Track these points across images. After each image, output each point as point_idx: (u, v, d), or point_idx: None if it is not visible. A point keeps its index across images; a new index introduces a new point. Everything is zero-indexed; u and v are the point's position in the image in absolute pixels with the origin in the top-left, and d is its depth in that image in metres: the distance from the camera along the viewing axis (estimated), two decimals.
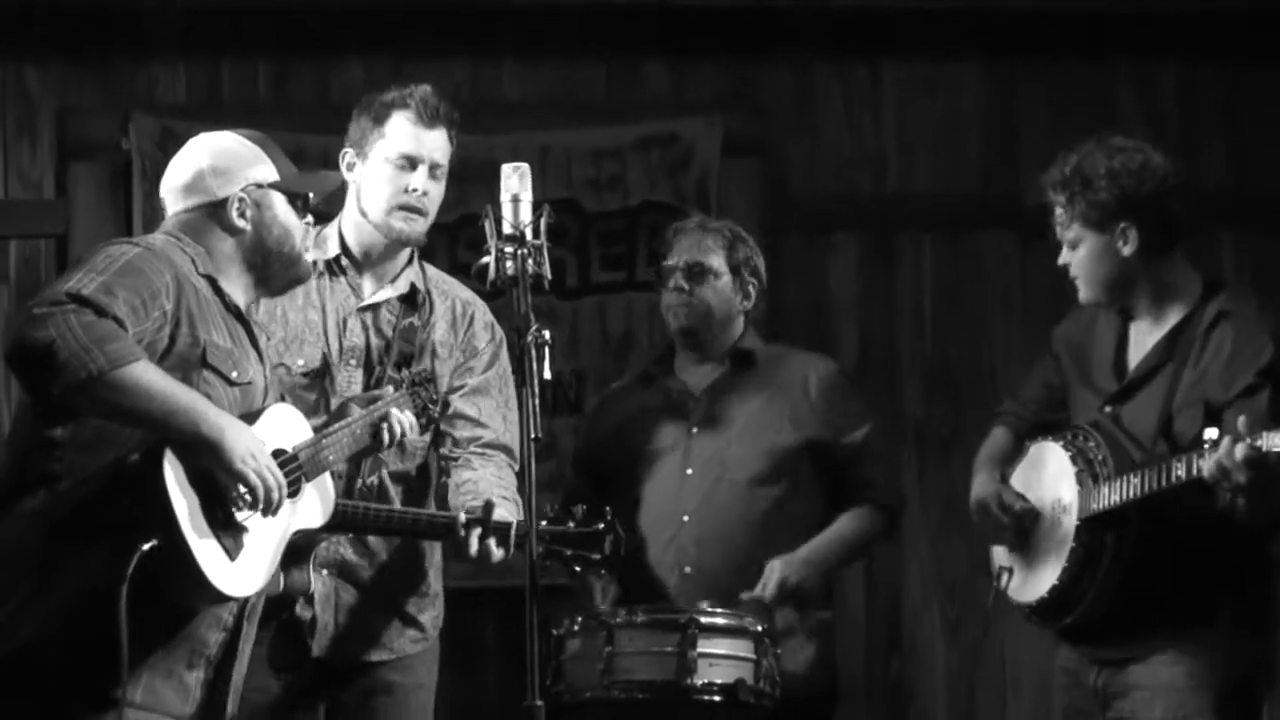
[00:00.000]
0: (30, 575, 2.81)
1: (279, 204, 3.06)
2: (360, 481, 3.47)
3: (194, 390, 2.86)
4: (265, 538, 2.93)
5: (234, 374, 2.96)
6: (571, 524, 3.38)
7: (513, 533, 3.28)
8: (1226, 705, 3.26)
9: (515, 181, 3.07)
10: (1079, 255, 3.39)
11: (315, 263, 3.54)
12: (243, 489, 2.86)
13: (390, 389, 3.29)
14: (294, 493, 2.98)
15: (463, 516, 3.34)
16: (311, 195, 3.12)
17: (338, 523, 3.33)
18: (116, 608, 2.71)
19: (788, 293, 4.45)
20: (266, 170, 3.05)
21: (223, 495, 2.85)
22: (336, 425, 3.14)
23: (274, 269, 3.08)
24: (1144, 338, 3.40)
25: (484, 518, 3.32)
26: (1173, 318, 3.36)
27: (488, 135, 4.51)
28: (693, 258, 3.96)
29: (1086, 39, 4.90)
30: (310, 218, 3.13)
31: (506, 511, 3.34)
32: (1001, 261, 4.90)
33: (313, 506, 3.06)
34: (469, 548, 3.32)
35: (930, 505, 4.66)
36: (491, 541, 3.31)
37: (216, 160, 3.04)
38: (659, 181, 4.77)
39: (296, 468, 2.97)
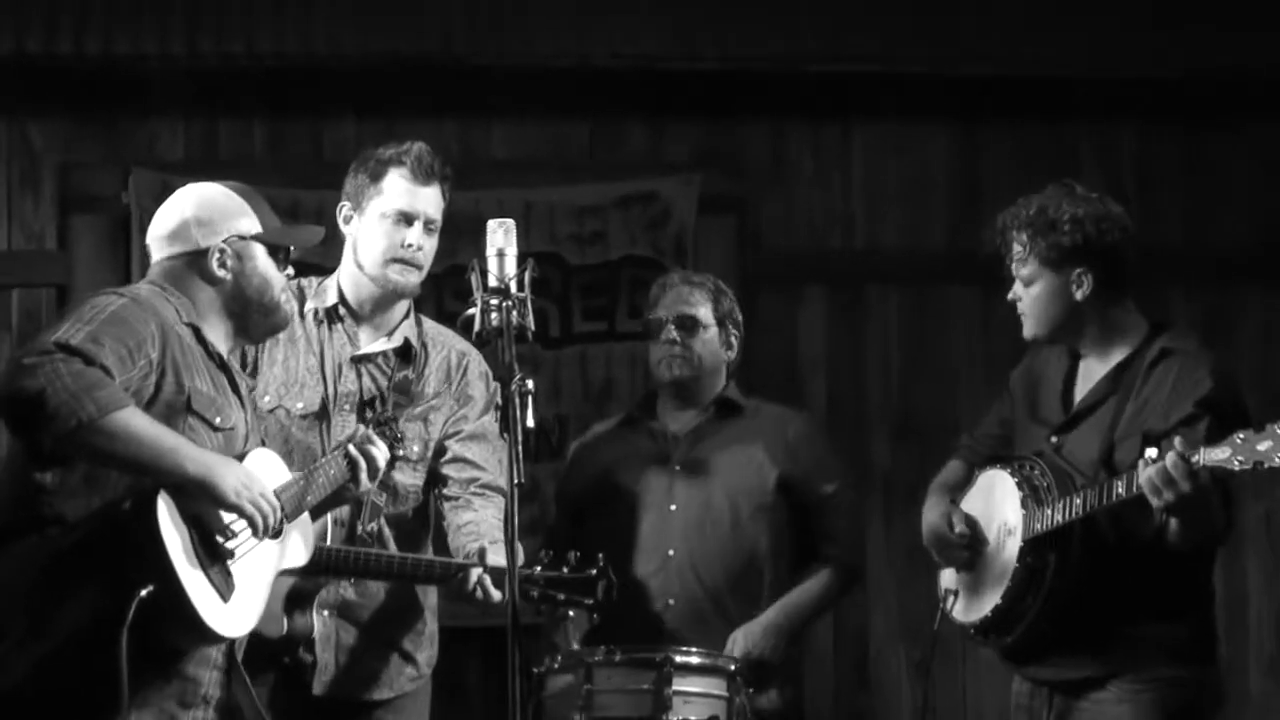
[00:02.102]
0: (22, 618, 2.84)
1: (260, 256, 3.11)
2: (360, 528, 3.54)
3: (175, 433, 2.90)
4: (255, 578, 2.98)
5: (217, 420, 3.01)
6: (566, 569, 3.47)
7: (504, 576, 3.29)
8: None
9: (501, 236, 3.13)
10: (1032, 292, 3.45)
11: (316, 310, 3.65)
12: (241, 522, 2.91)
13: (359, 429, 3.36)
14: (276, 533, 3.02)
15: (458, 563, 3.44)
16: (292, 248, 3.16)
17: (340, 568, 3.42)
18: (117, 653, 2.75)
19: (760, 343, 4.52)
20: (249, 223, 3.11)
21: (213, 537, 2.89)
22: (311, 467, 3.20)
23: (253, 318, 3.12)
24: (1091, 373, 3.47)
25: (480, 562, 3.41)
26: (1118, 355, 3.43)
27: (475, 191, 4.62)
28: (682, 311, 4.04)
29: (1048, 103, 5.01)
30: (291, 270, 3.18)
31: (502, 556, 3.35)
32: (966, 315, 4.98)
33: (296, 546, 3.12)
34: (467, 588, 3.40)
35: (896, 552, 4.71)
36: (488, 580, 3.39)
37: (200, 211, 3.09)
38: (639, 237, 4.86)
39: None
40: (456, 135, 4.84)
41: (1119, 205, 3.48)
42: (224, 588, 2.90)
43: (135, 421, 2.83)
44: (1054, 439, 3.46)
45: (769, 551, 3.99)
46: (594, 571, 3.48)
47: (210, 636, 2.89)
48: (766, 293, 4.87)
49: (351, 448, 3.23)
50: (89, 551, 2.84)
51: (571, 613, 3.52)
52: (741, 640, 3.89)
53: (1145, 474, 3.11)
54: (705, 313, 4.07)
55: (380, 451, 3.26)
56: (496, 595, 3.40)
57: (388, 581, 3.58)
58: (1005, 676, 3.57)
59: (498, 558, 3.41)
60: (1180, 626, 3.36)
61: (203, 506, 2.89)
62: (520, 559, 3.09)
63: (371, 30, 4.74)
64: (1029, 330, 3.50)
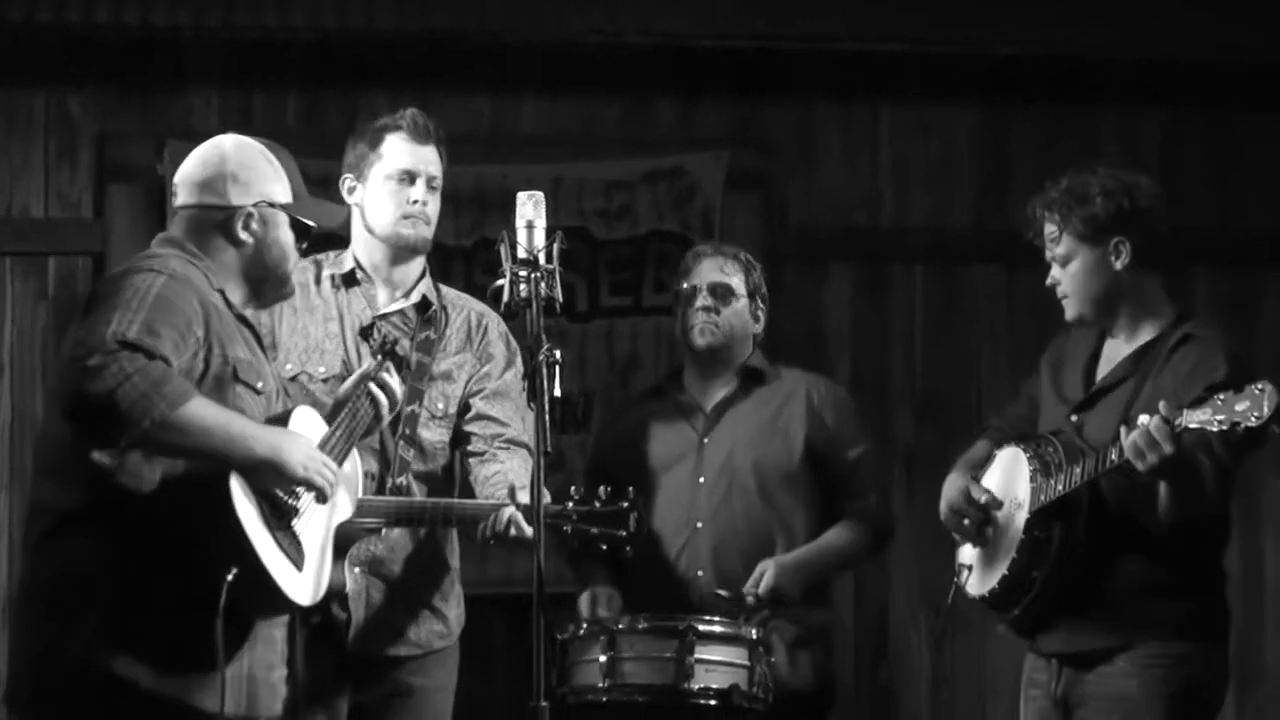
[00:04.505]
0: (102, 602, 2.84)
1: (284, 225, 3.10)
2: (390, 482, 3.60)
3: (238, 414, 2.92)
4: (318, 540, 3.03)
5: (259, 384, 3.03)
6: (597, 503, 3.51)
7: (536, 511, 3.31)
8: (1179, 714, 3.34)
9: (530, 209, 3.15)
10: (1070, 271, 3.46)
11: (333, 276, 3.71)
12: (307, 493, 2.95)
13: (369, 364, 3.37)
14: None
15: (490, 503, 3.49)
16: (314, 226, 3.15)
17: (373, 517, 3.47)
18: (213, 640, 2.78)
19: (785, 320, 4.55)
20: (282, 191, 3.09)
21: (281, 509, 2.93)
22: (342, 417, 3.20)
23: (268, 285, 3.12)
24: (1115, 353, 3.50)
25: (511, 500, 3.45)
26: (1144, 337, 3.46)
27: (504, 165, 4.69)
28: (717, 279, 4.07)
29: (1075, 84, 5.04)
30: (304, 243, 3.16)
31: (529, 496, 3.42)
32: (990, 294, 5.01)
33: (349, 496, 3.15)
34: (499, 527, 3.44)
35: (918, 525, 4.68)
36: (520, 517, 3.43)
37: (239, 169, 3.07)
38: (666, 212, 4.90)
39: None
40: (487, 110, 4.89)
41: (1145, 176, 3.52)
42: (297, 557, 2.94)
43: (204, 412, 2.84)
44: (1073, 417, 3.49)
45: (796, 521, 4.02)
46: (625, 504, 3.52)
47: (292, 607, 2.95)
48: (792, 269, 4.90)
49: (372, 385, 3.25)
50: (168, 533, 2.85)
51: (605, 546, 3.52)
52: (773, 571, 3.90)
53: (1129, 438, 3.14)
54: (738, 283, 4.10)
55: (393, 378, 3.27)
56: (529, 530, 3.40)
57: (421, 527, 3.62)
58: (1022, 650, 3.62)
59: (528, 496, 3.41)
60: (1188, 603, 3.38)
61: (271, 482, 2.91)
62: (547, 498, 3.11)
63: (405, 5, 4.78)
64: (1072, 310, 3.50)
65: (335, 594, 3.55)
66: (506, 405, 3.70)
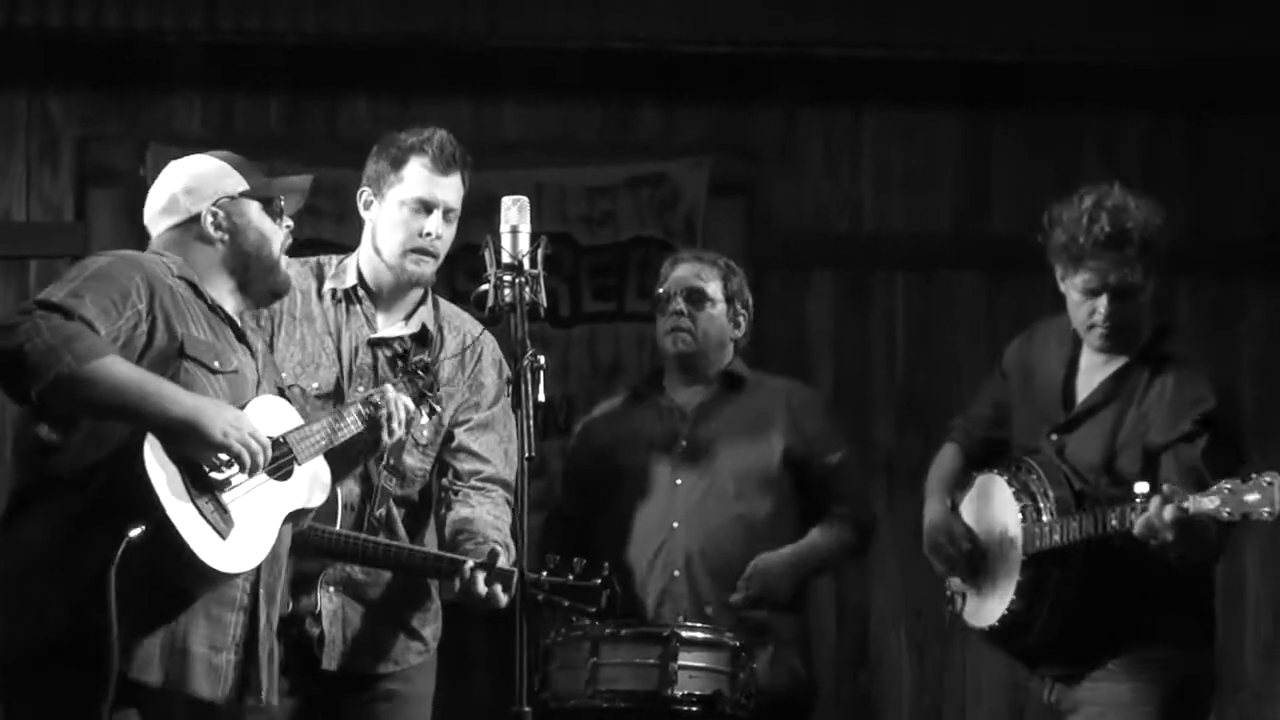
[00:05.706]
0: (44, 573, 2.87)
1: (252, 211, 3.12)
2: (370, 512, 3.57)
3: (167, 380, 2.90)
4: (259, 516, 2.98)
5: (215, 363, 3.01)
6: (571, 576, 3.48)
7: (514, 581, 3.32)
8: (1169, 715, 3.38)
9: (514, 214, 3.17)
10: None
11: (334, 291, 3.67)
12: (225, 459, 2.91)
13: (385, 385, 3.35)
14: (285, 475, 3.03)
15: (470, 564, 3.43)
16: (282, 198, 3.15)
17: (351, 556, 3.47)
18: (106, 592, 2.76)
19: (768, 326, 4.57)
20: (235, 182, 3.12)
21: (205, 476, 2.90)
22: (331, 414, 3.19)
23: (254, 274, 3.13)
24: (1093, 370, 3.50)
25: (489, 564, 3.42)
26: (1123, 356, 3.47)
27: (487, 172, 4.66)
28: (692, 284, 4.08)
29: (1057, 90, 5.05)
30: (290, 223, 3.16)
31: (507, 560, 3.43)
32: (971, 300, 5.03)
33: (308, 487, 3.10)
34: (476, 590, 3.40)
35: (899, 531, 4.69)
36: (497, 587, 3.40)
37: (188, 181, 3.12)
38: (648, 218, 4.91)
39: (285, 451, 3.03)
40: (469, 115, 4.87)
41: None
42: (221, 525, 2.91)
43: (116, 369, 2.85)
44: (1054, 437, 3.49)
45: (774, 524, 4.04)
46: (599, 580, 3.51)
47: (209, 573, 2.89)
48: (774, 276, 4.92)
49: (376, 398, 3.23)
50: (93, 502, 2.86)
51: (574, 619, 3.55)
52: (762, 569, 3.91)
53: (1138, 525, 3.18)
54: (715, 288, 4.11)
55: (395, 402, 3.24)
56: (504, 600, 3.41)
57: (390, 571, 3.59)
58: (1001, 658, 3.68)
59: (505, 562, 3.43)
60: (1180, 612, 3.42)
61: (193, 447, 2.89)
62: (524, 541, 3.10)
63: (388, 9, 4.78)
64: (1117, 341, 3.43)
65: (307, 613, 3.55)
66: (490, 439, 3.67)
